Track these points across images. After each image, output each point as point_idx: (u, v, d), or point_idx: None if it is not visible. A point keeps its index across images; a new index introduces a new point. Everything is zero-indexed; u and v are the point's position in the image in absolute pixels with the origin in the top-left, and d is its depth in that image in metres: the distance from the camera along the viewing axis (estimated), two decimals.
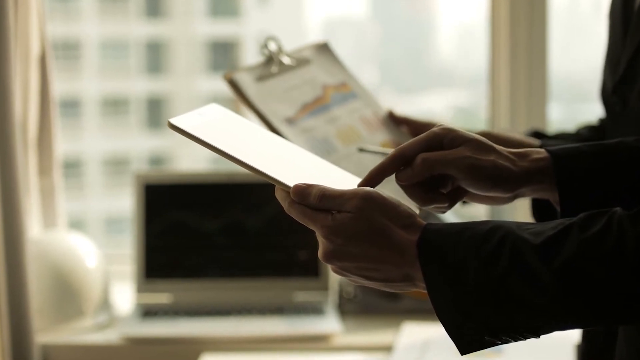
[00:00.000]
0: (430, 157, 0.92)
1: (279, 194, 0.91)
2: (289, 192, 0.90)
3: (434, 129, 0.94)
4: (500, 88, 2.23)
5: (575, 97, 2.89)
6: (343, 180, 0.96)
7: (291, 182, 0.90)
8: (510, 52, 2.20)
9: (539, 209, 1.10)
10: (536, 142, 1.22)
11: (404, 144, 0.94)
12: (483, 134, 1.23)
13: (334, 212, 0.88)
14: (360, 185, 0.94)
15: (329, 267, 0.90)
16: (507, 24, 2.20)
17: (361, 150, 1.19)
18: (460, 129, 0.95)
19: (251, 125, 0.99)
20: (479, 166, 0.92)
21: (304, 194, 0.89)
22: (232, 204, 2.05)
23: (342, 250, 0.87)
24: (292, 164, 0.95)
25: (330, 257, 0.88)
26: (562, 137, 1.27)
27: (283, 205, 0.91)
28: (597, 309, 0.82)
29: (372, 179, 0.94)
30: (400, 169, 0.94)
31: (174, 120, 0.91)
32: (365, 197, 0.87)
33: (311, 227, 0.89)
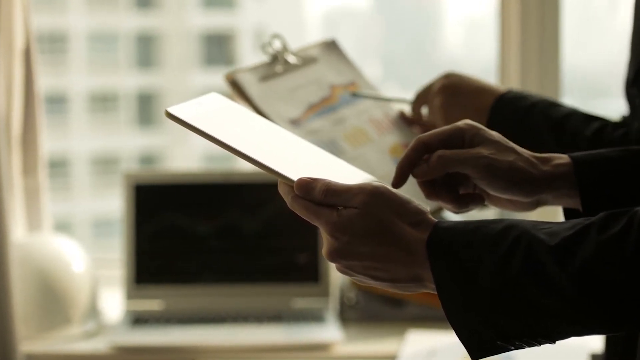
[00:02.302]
0: (446, 155, 0.95)
1: (282, 189, 0.91)
2: (292, 187, 0.90)
3: (458, 123, 0.98)
4: (510, 83, 2.23)
5: (589, 93, 2.89)
6: (351, 175, 0.95)
7: (295, 176, 0.89)
8: (520, 45, 2.20)
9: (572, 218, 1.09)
10: (502, 89, 1.22)
11: (426, 133, 0.98)
12: (448, 74, 1.23)
13: (339, 207, 0.88)
14: (394, 182, 0.97)
15: (334, 266, 0.90)
16: (518, 16, 2.20)
17: (354, 95, 1.25)
18: (484, 128, 0.97)
19: (254, 116, 0.99)
20: (496, 166, 0.95)
21: (308, 189, 0.89)
22: (228, 206, 2.05)
23: (348, 248, 0.87)
24: (296, 157, 0.95)
25: (335, 255, 0.88)
26: (521, 96, 1.25)
27: (286, 200, 0.91)
28: (615, 314, 0.82)
29: (400, 175, 0.98)
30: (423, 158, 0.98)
31: (172, 109, 0.91)
32: (373, 193, 0.87)
33: (315, 223, 0.89)
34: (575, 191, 0.97)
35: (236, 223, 2.05)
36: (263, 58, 1.31)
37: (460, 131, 0.97)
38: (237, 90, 1.25)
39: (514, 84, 2.22)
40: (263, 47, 1.31)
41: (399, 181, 0.98)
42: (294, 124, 1.23)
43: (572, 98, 2.51)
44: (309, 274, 2.03)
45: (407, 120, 1.33)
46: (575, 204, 0.97)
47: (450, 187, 1.00)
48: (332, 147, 1.22)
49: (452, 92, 1.22)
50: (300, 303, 2.03)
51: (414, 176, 0.98)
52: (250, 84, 1.25)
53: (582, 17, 2.68)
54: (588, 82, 2.84)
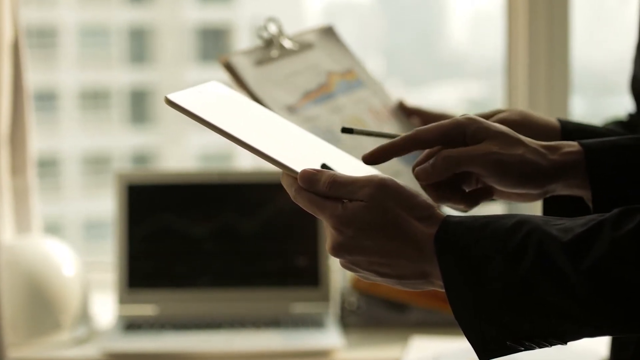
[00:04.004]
0: (453, 155, 0.93)
1: (285, 180, 0.91)
2: (296, 178, 0.90)
3: (458, 117, 0.95)
4: (517, 79, 2.23)
5: (600, 90, 2.89)
6: (356, 167, 0.96)
7: (299, 167, 0.89)
8: (528, 40, 2.20)
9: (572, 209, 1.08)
10: (556, 123, 1.21)
11: (422, 127, 0.95)
12: (511, 120, 1.20)
13: (345, 200, 0.88)
14: (364, 160, 0.95)
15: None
16: (526, 9, 2.20)
17: (345, 131, 1.05)
18: (485, 121, 0.95)
19: (255, 105, 1.00)
20: (506, 162, 0.93)
21: (313, 180, 0.89)
22: (224, 207, 2.05)
23: (353, 242, 0.87)
24: (300, 148, 0.95)
25: (340, 249, 0.88)
26: (585, 129, 1.25)
27: (289, 192, 0.91)
28: (630, 315, 0.82)
29: (376, 154, 0.95)
30: (419, 155, 0.96)
31: (172, 96, 0.91)
32: (380, 185, 0.87)
33: (319, 216, 0.89)
34: (585, 180, 0.95)
35: (233, 225, 2.05)
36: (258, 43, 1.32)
37: (461, 125, 0.94)
38: (232, 73, 1.26)
39: (522, 80, 2.22)
40: (258, 31, 1.31)
41: (371, 159, 0.95)
42: (290, 110, 1.24)
43: (581, 95, 2.51)
44: (308, 278, 2.03)
45: (406, 110, 1.34)
46: (585, 193, 0.96)
47: (453, 186, 0.98)
48: (330, 136, 1.22)
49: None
50: (300, 308, 2.03)
51: (417, 179, 0.96)
52: (245, 67, 1.26)
53: (592, 12, 2.69)
54: (598, 79, 2.84)
